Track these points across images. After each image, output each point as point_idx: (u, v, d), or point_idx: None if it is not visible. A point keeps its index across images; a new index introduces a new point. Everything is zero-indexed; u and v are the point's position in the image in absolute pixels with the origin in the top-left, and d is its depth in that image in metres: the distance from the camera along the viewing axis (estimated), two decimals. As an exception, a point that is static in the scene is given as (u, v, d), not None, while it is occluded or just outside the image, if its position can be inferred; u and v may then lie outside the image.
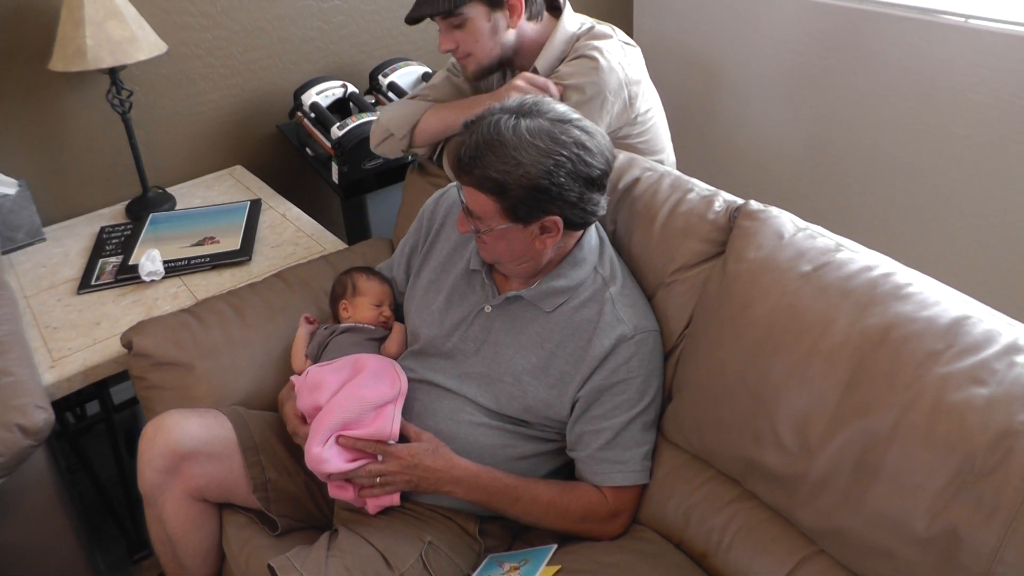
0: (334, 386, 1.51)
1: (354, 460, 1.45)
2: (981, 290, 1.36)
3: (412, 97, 2.06)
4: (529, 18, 1.84)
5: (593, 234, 1.56)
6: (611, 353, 1.47)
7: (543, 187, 1.36)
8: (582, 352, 1.48)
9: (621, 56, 1.83)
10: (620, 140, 1.88)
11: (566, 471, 1.58)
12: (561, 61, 1.86)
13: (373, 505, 1.48)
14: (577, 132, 1.40)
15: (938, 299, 1.26)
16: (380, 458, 1.45)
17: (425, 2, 1.79)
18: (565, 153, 1.37)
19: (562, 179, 1.37)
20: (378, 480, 1.44)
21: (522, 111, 1.40)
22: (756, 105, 3.02)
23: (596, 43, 1.82)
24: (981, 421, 1.10)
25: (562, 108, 1.44)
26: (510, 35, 1.84)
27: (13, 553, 1.70)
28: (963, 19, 2.33)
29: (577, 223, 1.46)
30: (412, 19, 1.84)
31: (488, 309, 1.56)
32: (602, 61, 1.78)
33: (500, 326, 1.54)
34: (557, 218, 1.41)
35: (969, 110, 2.36)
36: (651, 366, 1.51)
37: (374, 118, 2.36)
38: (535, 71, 1.85)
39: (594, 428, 1.48)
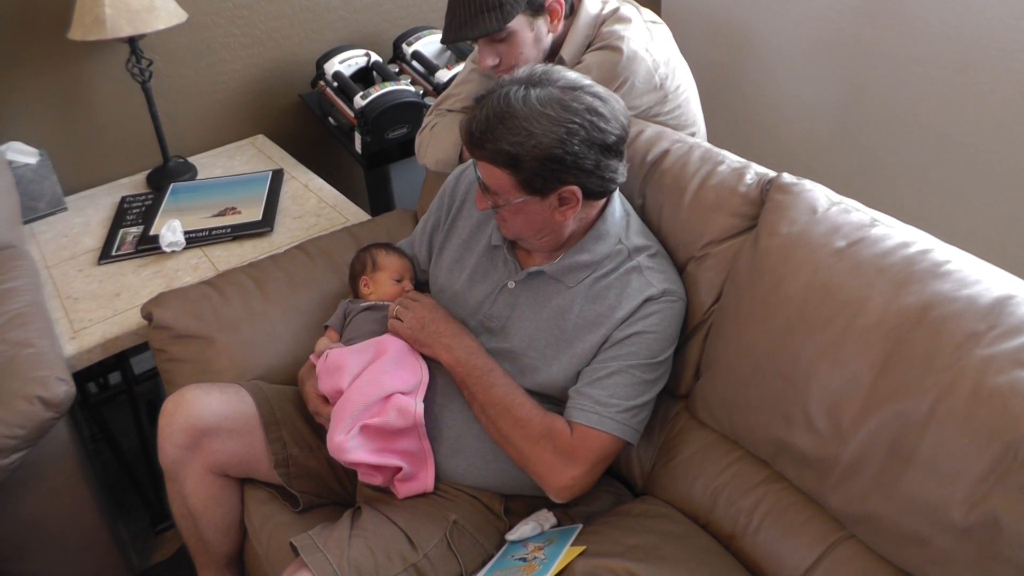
0: (355, 369, 1.49)
1: (379, 451, 1.43)
2: (1025, 268, 1.31)
3: (448, 109, 1.98)
4: (565, 17, 1.78)
5: (617, 207, 1.52)
6: (635, 311, 1.44)
7: (557, 156, 1.33)
8: (605, 318, 1.45)
9: (647, 39, 1.77)
10: (652, 118, 1.82)
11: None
12: (587, 47, 1.79)
13: (402, 491, 1.47)
14: (589, 98, 1.36)
15: (979, 277, 1.22)
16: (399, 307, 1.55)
17: (468, 24, 1.69)
18: (578, 120, 1.33)
19: (576, 147, 1.33)
20: (396, 312, 1.55)
21: (532, 81, 1.37)
22: (787, 75, 2.95)
23: (620, 29, 1.75)
24: (1026, 406, 1.05)
25: (573, 75, 1.40)
26: (549, 39, 1.78)
27: (36, 525, 1.71)
28: (1005, -16, 2.26)
29: (596, 192, 1.42)
30: (452, 41, 1.77)
31: (511, 285, 1.53)
32: (627, 51, 1.72)
33: (524, 302, 1.52)
34: (575, 187, 1.38)
35: (1009, 79, 2.29)
36: (670, 329, 1.47)
37: (399, 88, 2.33)
38: (561, 61, 1.79)
39: (591, 368, 1.45)
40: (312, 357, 1.60)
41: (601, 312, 1.45)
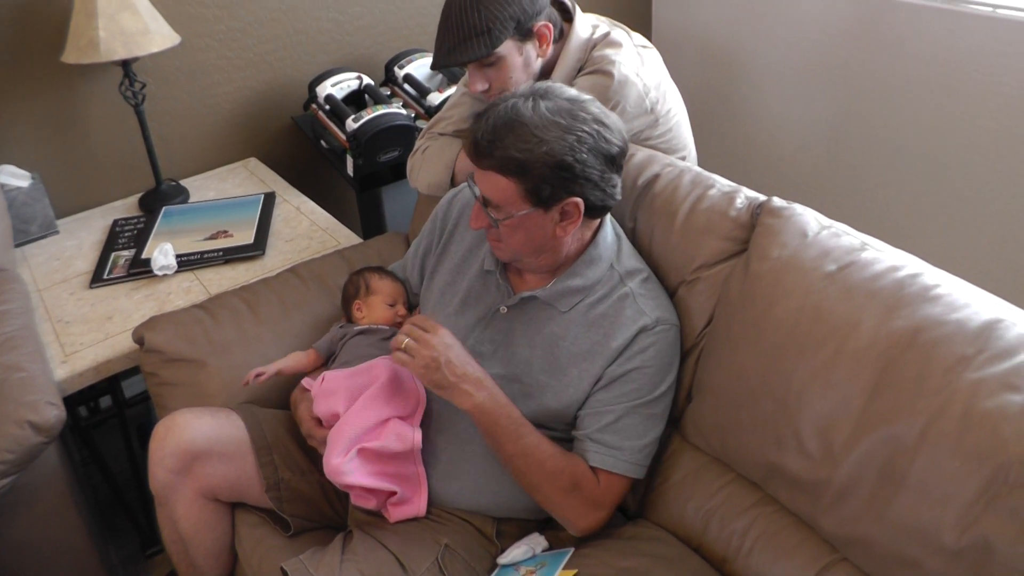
0: (352, 393, 1.48)
1: (375, 475, 1.43)
2: (1013, 292, 1.32)
3: (439, 133, 1.98)
4: (554, 41, 1.79)
5: (609, 231, 1.53)
6: (630, 344, 1.45)
7: (567, 164, 1.34)
8: (600, 348, 1.45)
9: (638, 64, 1.79)
10: (643, 142, 1.83)
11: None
12: (578, 71, 1.81)
13: (395, 515, 1.46)
14: (595, 109, 1.40)
15: (968, 301, 1.22)
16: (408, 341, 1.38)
17: (456, 50, 1.70)
18: (586, 129, 1.36)
19: (584, 155, 1.35)
20: (404, 345, 1.37)
21: (537, 94, 1.39)
22: (777, 99, 2.98)
23: (610, 54, 1.76)
24: (1016, 430, 1.06)
25: (573, 91, 1.42)
26: (539, 63, 1.79)
27: (26, 549, 1.70)
28: (991, 8, 2.29)
29: (597, 206, 1.43)
30: (442, 67, 1.78)
31: (504, 310, 1.53)
32: (618, 76, 1.73)
33: (516, 327, 1.52)
34: (578, 200, 1.39)
35: (996, 102, 2.31)
36: (667, 359, 1.48)
37: (390, 111, 2.34)
38: None
39: (596, 411, 1.45)
40: (305, 380, 1.60)
41: (595, 341, 1.46)
